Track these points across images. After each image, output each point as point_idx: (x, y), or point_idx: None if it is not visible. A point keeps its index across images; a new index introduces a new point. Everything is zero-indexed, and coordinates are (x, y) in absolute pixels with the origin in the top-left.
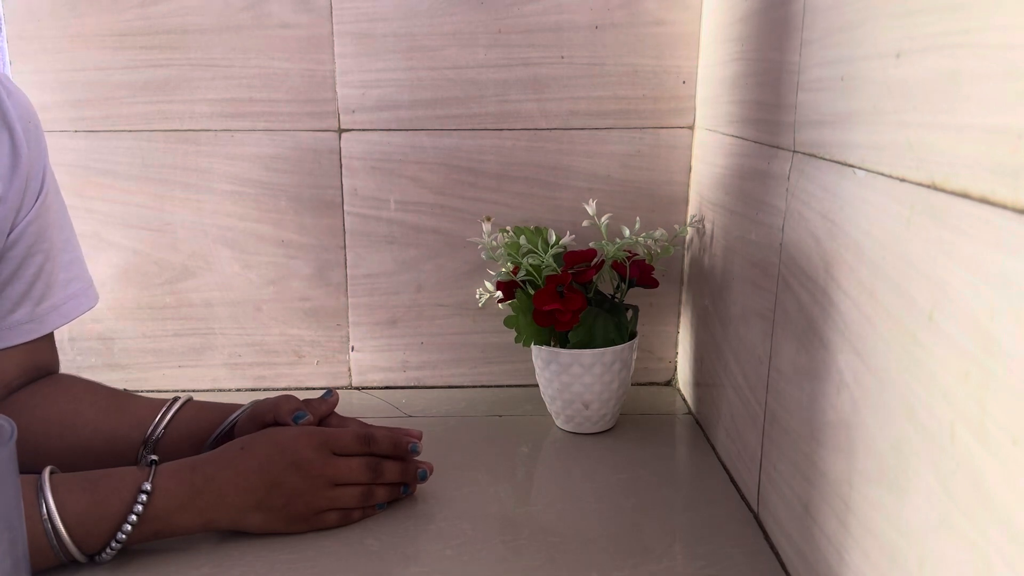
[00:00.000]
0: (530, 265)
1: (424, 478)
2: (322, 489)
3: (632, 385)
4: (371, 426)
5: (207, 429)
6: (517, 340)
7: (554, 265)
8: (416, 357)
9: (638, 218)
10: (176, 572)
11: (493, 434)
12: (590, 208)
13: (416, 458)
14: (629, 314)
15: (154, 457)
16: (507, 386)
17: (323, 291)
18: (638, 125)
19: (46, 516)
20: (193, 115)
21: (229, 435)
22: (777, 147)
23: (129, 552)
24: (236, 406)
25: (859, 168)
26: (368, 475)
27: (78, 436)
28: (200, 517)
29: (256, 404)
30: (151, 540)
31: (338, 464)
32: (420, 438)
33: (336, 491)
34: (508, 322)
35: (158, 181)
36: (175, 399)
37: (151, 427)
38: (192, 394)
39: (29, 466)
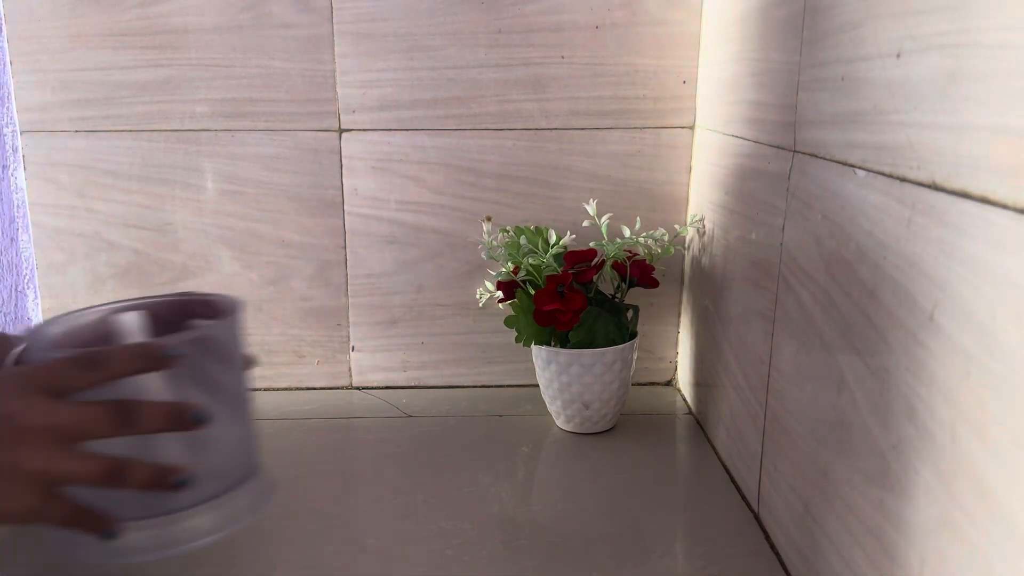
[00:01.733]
0: (530, 265)
1: (182, 484)
2: (46, 451)
3: (632, 385)
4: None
5: None
6: (517, 340)
7: (554, 265)
8: (416, 357)
9: (638, 218)
10: (177, 572)
11: (493, 434)
12: (590, 208)
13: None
14: (629, 314)
15: None
16: (507, 386)
17: (323, 291)
18: (638, 125)
19: None
20: (193, 115)
21: None
22: (778, 147)
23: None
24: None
25: (860, 168)
26: (112, 421)
27: None
28: None
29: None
30: None
31: (61, 411)
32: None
33: (71, 458)
34: (508, 322)
35: (158, 181)
36: None
37: None
38: None
39: None
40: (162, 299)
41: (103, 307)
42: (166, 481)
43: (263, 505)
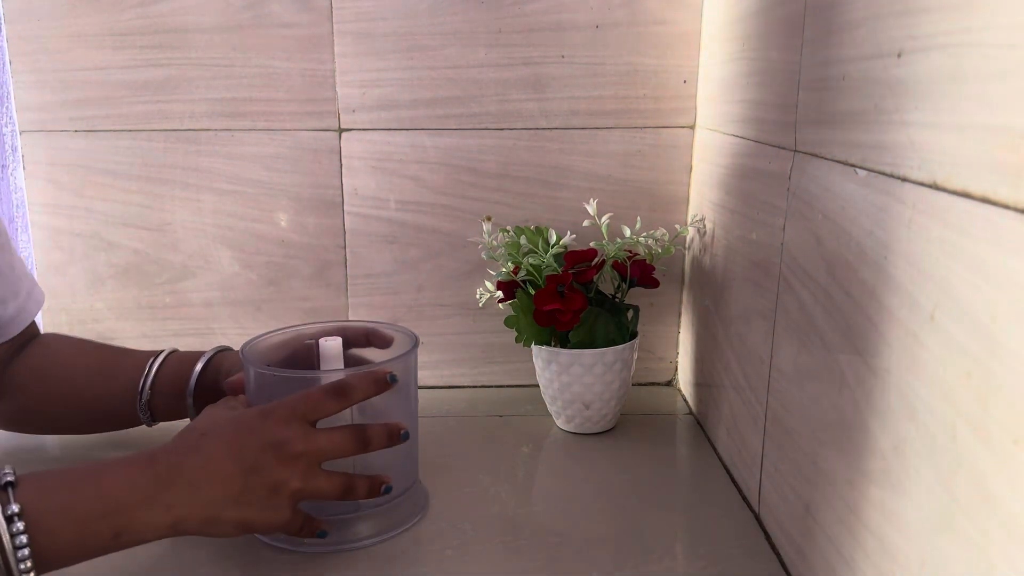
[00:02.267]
0: (531, 265)
1: (388, 492)
2: (307, 473)
3: (633, 385)
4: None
5: (184, 380)
6: (518, 340)
7: (555, 265)
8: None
9: (639, 218)
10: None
11: (494, 434)
12: (591, 208)
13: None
14: (630, 314)
15: (9, 476)
16: (508, 386)
17: (323, 291)
18: (639, 124)
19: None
20: (193, 115)
21: (208, 385)
22: (778, 146)
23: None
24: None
25: (861, 167)
26: (355, 446)
27: (76, 402)
28: (168, 514)
29: (222, 355)
30: (114, 546)
31: (319, 438)
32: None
33: (321, 477)
34: (508, 322)
35: (158, 181)
36: (157, 354)
37: (139, 387)
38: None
39: (40, 431)
40: (350, 324)
41: (298, 328)
42: (379, 490)
43: (421, 511)
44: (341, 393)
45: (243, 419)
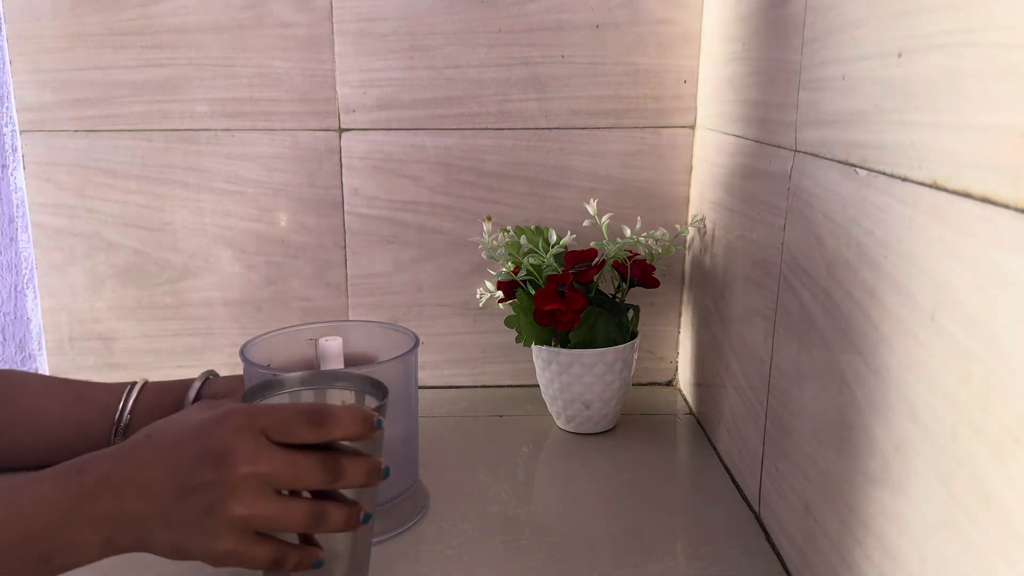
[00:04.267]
0: (531, 265)
1: (367, 521)
2: (253, 496)
3: (633, 385)
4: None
5: (171, 409)
6: (518, 340)
7: (555, 265)
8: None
9: (639, 218)
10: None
11: (494, 434)
12: (591, 208)
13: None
14: (630, 314)
15: None
16: (508, 386)
17: (323, 291)
18: (639, 124)
19: None
20: (193, 115)
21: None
22: (779, 146)
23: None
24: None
25: (861, 167)
26: (322, 476)
27: (46, 430)
28: (97, 533)
29: (211, 382)
30: (50, 570)
31: (276, 458)
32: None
33: (275, 504)
34: (509, 322)
35: (158, 181)
36: (132, 384)
37: (116, 413)
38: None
39: (5, 466)
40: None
41: (298, 327)
42: (357, 520)
43: (421, 511)
44: (318, 421)
45: (196, 421)
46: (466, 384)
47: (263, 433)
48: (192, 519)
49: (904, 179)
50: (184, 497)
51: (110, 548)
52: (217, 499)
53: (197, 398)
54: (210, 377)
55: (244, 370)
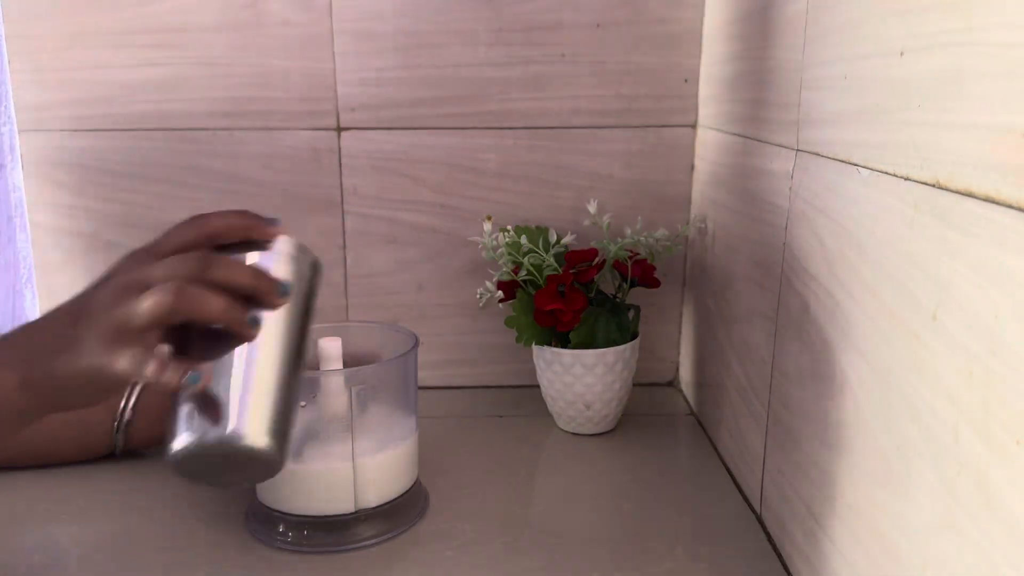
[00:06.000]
0: (531, 265)
1: (256, 323)
2: (128, 296)
3: (634, 385)
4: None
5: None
6: (518, 340)
7: (555, 265)
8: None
9: (640, 217)
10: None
11: (494, 435)
12: (591, 207)
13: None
14: (631, 314)
15: None
16: (508, 387)
17: (323, 291)
18: (640, 124)
19: None
20: (192, 114)
21: None
22: (780, 146)
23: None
24: None
25: (862, 167)
26: (186, 268)
27: (46, 429)
28: (13, 372)
29: None
30: None
31: (155, 264)
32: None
33: (144, 295)
34: (509, 322)
35: (157, 180)
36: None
37: (117, 412)
38: None
39: (5, 465)
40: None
41: None
42: (241, 319)
43: (421, 511)
44: (197, 227)
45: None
46: (467, 384)
47: (152, 253)
48: (87, 335)
49: (906, 178)
50: (81, 319)
51: (26, 390)
52: (102, 307)
53: None
54: None
55: None
